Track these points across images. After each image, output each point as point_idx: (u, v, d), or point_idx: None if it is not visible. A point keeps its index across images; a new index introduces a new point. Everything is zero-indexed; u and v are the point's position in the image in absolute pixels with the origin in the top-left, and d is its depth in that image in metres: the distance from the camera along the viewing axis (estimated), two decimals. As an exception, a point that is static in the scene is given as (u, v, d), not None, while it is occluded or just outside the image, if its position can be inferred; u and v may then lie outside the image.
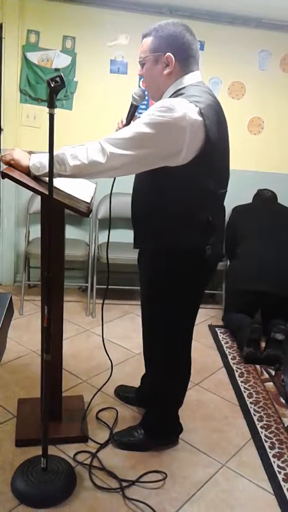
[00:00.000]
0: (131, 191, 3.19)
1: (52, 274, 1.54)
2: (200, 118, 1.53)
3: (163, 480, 1.88)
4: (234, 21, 3.40)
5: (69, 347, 2.19)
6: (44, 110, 3.40)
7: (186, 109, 1.52)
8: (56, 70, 3.39)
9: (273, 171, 3.81)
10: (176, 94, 1.64)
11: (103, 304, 2.24)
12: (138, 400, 2.31)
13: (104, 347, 2.18)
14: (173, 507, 1.76)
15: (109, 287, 3.30)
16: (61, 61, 3.40)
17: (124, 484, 1.83)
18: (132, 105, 1.84)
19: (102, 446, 2.03)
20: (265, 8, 3.20)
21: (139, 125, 1.53)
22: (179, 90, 1.65)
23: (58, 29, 3.35)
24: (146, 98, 1.79)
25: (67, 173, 1.56)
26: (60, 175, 1.56)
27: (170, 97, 1.66)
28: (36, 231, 3.50)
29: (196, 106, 1.53)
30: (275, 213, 3.44)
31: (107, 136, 1.57)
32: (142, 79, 3.47)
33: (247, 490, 1.88)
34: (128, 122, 1.87)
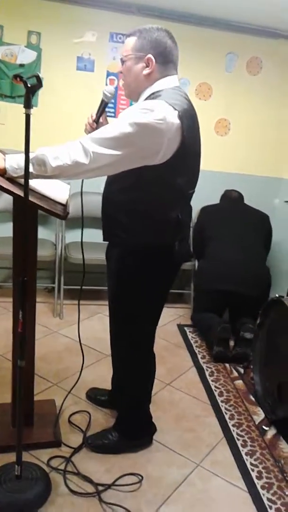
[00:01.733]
0: (98, 190, 3.17)
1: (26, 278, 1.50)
2: (178, 121, 1.57)
3: (139, 483, 1.87)
4: (202, 22, 3.43)
5: (37, 349, 2.14)
6: (8, 106, 3.34)
7: (166, 112, 1.54)
8: (21, 65, 3.32)
9: (240, 172, 3.88)
10: (154, 96, 1.66)
11: (79, 304, 2.21)
12: (111, 403, 2.29)
13: (81, 345, 2.14)
14: (150, 509, 1.75)
15: (76, 287, 3.25)
16: (26, 56, 3.33)
17: (100, 488, 1.81)
18: (102, 101, 1.86)
19: (76, 450, 2.00)
20: (233, 10, 3.24)
21: (122, 125, 1.53)
22: (156, 92, 1.68)
23: (23, 24, 3.28)
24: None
25: (48, 174, 1.53)
26: (39, 176, 1.54)
27: (147, 98, 1.69)
28: (1, 229, 3.41)
29: (175, 109, 1.57)
30: (242, 214, 3.49)
31: (88, 135, 1.57)
32: (109, 77, 3.49)
33: (222, 489, 1.90)
34: (98, 118, 1.88)
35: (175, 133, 1.57)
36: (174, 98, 1.62)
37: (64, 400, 2.25)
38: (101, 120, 1.90)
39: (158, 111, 1.53)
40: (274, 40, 3.61)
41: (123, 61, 1.73)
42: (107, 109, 1.95)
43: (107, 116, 2.01)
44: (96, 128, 1.88)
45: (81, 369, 2.23)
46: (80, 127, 3.41)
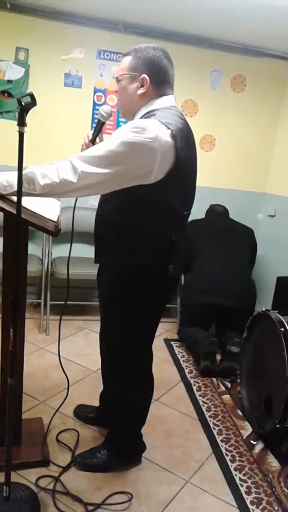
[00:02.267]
0: (87, 205, 3.17)
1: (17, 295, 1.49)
2: (171, 141, 1.55)
3: (129, 501, 1.85)
4: (187, 40, 3.49)
5: (24, 367, 2.12)
6: (-5, 121, 3.34)
7: (159, 131, 1.53)
8: (9, 81, 3.33)
9: (224, 187, 3.93)
10: (148, 115, 1.66)
11: (60, 320, 2.17)
12: (99, 420, 2.27)
13: (61, 366, 2.12)
14: (140, 528, 1.74)
15: (62, 302, 3.23)
16: (13, 72, 3.34)
17: (90, 507, 1.79)
18: (99, 121, 1.85)
19: (65, 469, 1.98)
20: (217, 29, 3.31)
21: (112, 144, 1.52)
22: (151, 111, 1.67)
23: (11, 40, 3.29)
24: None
25: (36, 192, 1.51)
26: (28, 194, 1.51)
27: (141, 117, 1.68)
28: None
29: (168, 128, 1.55)
30: (228, 228, 3.54)
31: (78, 154, 1.55)
32: (97, 94, 3.52)
33: (211, 505, 1.90)
34: (94, 138, 1.87)
35: (168, 152, 1.55)
36: (169, 117, 1.61)
37: (52, 419, 2.22)
38: (97, 140, 1.88)
39: (150, 130, 1.51)
40: (258, 58, 3.69)
41: (118, 80, 1.73)
42: (105, 127, 1.94)
43: (106, 134, 2.01)
44: None
45: (68, 388, 2.20)
46: (67, 143, 3.45)
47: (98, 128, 1.85)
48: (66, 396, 2.18)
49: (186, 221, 1.85)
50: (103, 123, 1.84)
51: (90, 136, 1.87)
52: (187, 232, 3.49)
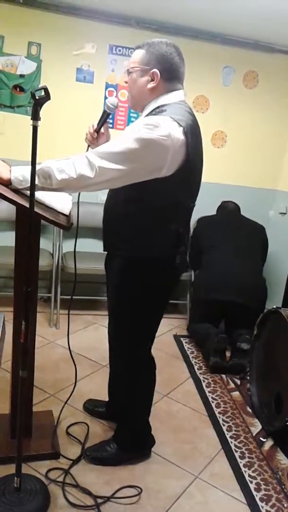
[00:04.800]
0: (96, 200, 3.18)
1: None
2: (183, 137, 1.59)
3: (138, 495, 1.86)
4: (199, 36, 3.47)
5: (34, 359, 2.15)
6: (7, 116, 3.35)
7: (171, 128, 1.56)
8: (21, 76, 3.33)
9: (236, 184, 3.92)
10: (159, 110, 1.68)
11: (68, 314, 2.19)
12: (109, 414, 2.28)
13: (72, 357, 2.13)
14: (149, 522, 1.75)
15: (73, 297, 3.22)
16: (26, 67, 3.34)
17: (99, 500, 1.80)
18: (104, 112, 1.87)
19: (75, 462, 1.99)
20: (229, 25, 3.29)
21: (127, 141, 1.55)
22: (161, 106, 1.69)
23: (23, 35, 3.30)
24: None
25: (53, 187, 1.54)
26: (44, 189, 1.55)
27: (151, 112, 1.71)
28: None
29: (180, 125, 1.59)
30: (239, 225, 3.52)
31: (94, 149, 1.58)
32: (108, 89, 3.52)
33: (220, 501, 1.90)
34: (99, 128, 1.89)
35: (179, 149, 1.59)
36: (179, 113, 1.64)
37: (61, 411, 2.23)
38: (102, 130, 1.91)
39: (163, 127, 1.55)
40: (270, 54, 3.67)
41: (129, 72, 1.75)
42: (108, 120, 1.96)
43: (118, 129, 2.02)
44: (97, 138, 1.91)
45: (75, 381, 2.20)
46: (79, 138, 3.44)
47: (104, 119, 1.87)
48: (73, 389, 2.19)
49: (191, 213, 1.89)
50: (109, 114, 1.87)
51: (95, 126, 1.89)
52: (198, 228, 3.52)
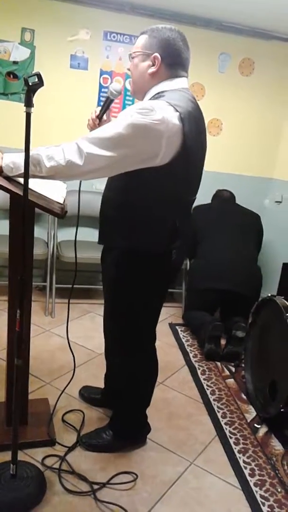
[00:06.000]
0: (92, 188, 3.16)
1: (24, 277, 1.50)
2: (179, 123, 1.52)
3: (133, 481, 1.88)
4: (195, 22, 3.43)
5: (30, 348, 2.15)
6: (0, 103, 3.32)
7: (166, 113, 1.50)
8: (15, 63, 3.30)
9: (231, 172, 3.91)
10: (158, 95, 1.63)
11: (69, 303, 2.20)
12: (104, 401, 2.30)
13: (70, 347, 2.13)
14: (145, 507, 1.76)
15: (68, 286, 3.18)
16: (19, 53, 3.30)
17: (95, 486, 1.81)
18: (108, 98, 1.82)
19: (70, 449, 2.00)
20: (225, 11, 3.25)
21: (117, 126, 1.50)
22: (160, 92, 1.65)
23: (16, 21, 3.25)
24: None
25: (43, 174, 1.50)
26: (34, 176, 1.51)
27: (151, 98, 1.66)
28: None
29: (176, 110, 1.52)
30: (234, 213, 3.52)
31: (85, 135, 1.52)
32: (103, 76, 3.48)
33: (215, 486, 1.92)
34: (101, 115, 1.86)
35: (175, 135, 1.52)
36: (178, 99, 1.58)
37: (58, 399, 2.24)
38: (104, 117, 1.87)
39: (156, 111, 1.48)
40: (266, 41, 3.64)
41: (131, 58, 1.71)
42: (112, 106, 1.92)
43: (113, 116, 1.99)
44: (99, 125, 1.85)
45: (74, 369, 2.21)
46: (73, 125, 3.42)
47: (107, 105, 1.83)
48: (72, 376, 2.20)
49: (191, 207, 1.85)
50: (112, 101, 1.82)
51: (98, 112, 1.85)
52: (193, 216, 3.51)
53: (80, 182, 1.82)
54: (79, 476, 1.86)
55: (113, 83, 1.80)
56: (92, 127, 1.86)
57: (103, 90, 3.49)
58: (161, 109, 1.50)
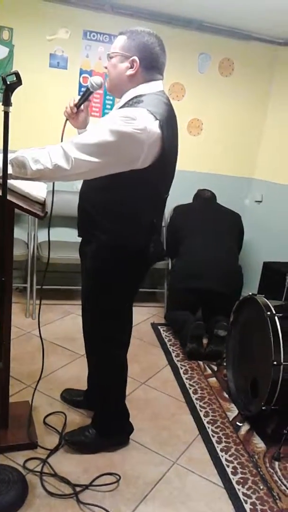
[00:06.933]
0: (71, 188, 3.15)
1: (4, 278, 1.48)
2: (158, 131, 1.60)
3: (116, 482, 1.87)
4: (175, 22, 3.43)
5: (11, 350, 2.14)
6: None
7: (147, 122, 1.57)
8: (-7, 61, 3.25)
9: (211, 172, 3.93)
10: (136, 99, 1.67)
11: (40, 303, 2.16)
12: (87, 403, 2.28)
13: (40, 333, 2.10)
14: (128, 508, 1.76)
15: (49, 287, 3.14)
16: (-3, 52, 3.26)
17: (78, 489, 1.80)
18: (88, 89, 1.83)
19: (52, 451, 1.98)
20: (205, 11, 3.26)
21: (103, 132, 1.55)
22: (138, 96, 1.69)
23: (-6, 19, 3.21)
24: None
25: (27, 176, 1.53)
26: (18, 178, 1.53)
27: (129, 100, 1.70)
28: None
29: (156, 119, 1.59)
30: (215, 213, 3.54)
31: (70, 140, 1.57)
32: (83, 75, 3.47)
33: (198, 485, 1.93)
34: (79, 104, 1.86)
35: (155, 142, 1.60)
36: (156, 105, 1.64)
37: (32, 399, 2.20)
38: (82, 107, 1.89)
39: (139, 120, 1.55)
40: (246, 42, 3.66)
41: (110, 57, 1.75)
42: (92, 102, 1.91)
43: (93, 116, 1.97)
44: (76, 113, 1.88)
45: (42, 363, 2.14)
46: (52, 124, 3.38)
47: (86, 97, 1.84)
48: (41, 372, 2.14)
49: (165, 203, 1.91)
50: (91, 93, 1.83)
51: (76, 101, 1.86)
52: (174, 216, 3.53)
53: (53, 182, 1.81)
54: (61, 479, 1.84)
55: (94, 76, 1.81)
56: (69, 114, 1.88)
57: (82, 88, 3.47)
58: (143, 118, 1.57)
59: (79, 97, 1.87)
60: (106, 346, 1.95)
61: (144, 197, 1.72)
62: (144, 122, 1.56)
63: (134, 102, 1.67)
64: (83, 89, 1.84)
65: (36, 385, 2.10)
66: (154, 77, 1.73)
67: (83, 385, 2.32)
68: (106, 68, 1.78)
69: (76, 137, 1.60)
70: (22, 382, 2.47)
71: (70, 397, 2.35)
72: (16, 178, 1.53)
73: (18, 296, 3.60)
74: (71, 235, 3.39)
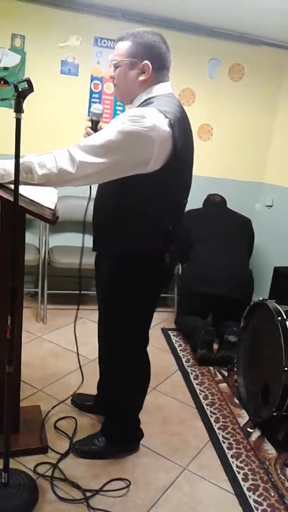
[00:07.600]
0: (83, 194, 3.15)
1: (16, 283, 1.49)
2: (168, 130, 1.54)
3: (127, 488, 1.87)
4: (185, 28, 3.45)
5: (22, 355, 2.14)
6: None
7: (156, 120, 1.52)
8: (5, 69, 3.29)
9: (222, 177, 3.92)
10: (147, 102, 1.65)
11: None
12: (97, 408, 2.28)
13: (76, 343, 2.12)
14: (138, 514, 1.76)
15: (60, 292, 3.14)
16: (9, 59, 3.30)
17: (88, 494, 1.80)
18: (93, 121, 1.83)
19: (63, 456, 1.99)
20: (215, 17, 3.28)
21: (110, 133, 1.51)
22: (149, 98, 1.66)
23: (7, 27, 3.25)
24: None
25: (35, 182, 1.51)
26: (26, 183, 1.52)
27: (140, 104, 1.67)
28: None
29: (166, 117, 1.55)
30: (226, 218, 3.53)
31: (76, 143, 1.54)
32: (94, 81, 3.49)
33: (209, 491, 1.92)
34: (94, 130, 1.84)
35: (166, 141, 1.54)
36: (167, 105, 1.60)
37: (53, 407, 2.22)
38: (100, 125, 1.87)
39: (147, 118, 1.51)
40: (256, 47, 3.67)
41: (116, 67, 1.70)
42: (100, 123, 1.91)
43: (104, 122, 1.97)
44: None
45: (82, 376, 2.19)
46: (63, 131, 3.42)
47: (94, 126, 1.83)
48: (82, 382, 2.18)
49: (183, 210, 1.85)
50: (98, 122, 1.83)
51: (91, 130, 1.84)
52: (185, 221, 3.52)
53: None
54: (72, 484, 1.84)
55: (94, 104, 1.81)
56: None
57: (94, 95, 3.50)
58: (152, 116, 1.52)
59: (89, 124, 1.85)
60: (127, 359, 1.92)
61: (157, 203, 1.66)
62: (153, 119, 1.51)
63: (144, 105, 1.64)
64: (91, 117, 1.83)
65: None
66: (163, 78, 1.69)
67: (93, 390, 2.32)
68: (111, 77, 1.73)
69: (84, 139, 1.56)
70: (33, 387, 2.48)
71: (80, 401, 2.35)
72: (24, 184, 1.51)
73: (29, 301, 3.62)
74: (81, 240, 3.41)
